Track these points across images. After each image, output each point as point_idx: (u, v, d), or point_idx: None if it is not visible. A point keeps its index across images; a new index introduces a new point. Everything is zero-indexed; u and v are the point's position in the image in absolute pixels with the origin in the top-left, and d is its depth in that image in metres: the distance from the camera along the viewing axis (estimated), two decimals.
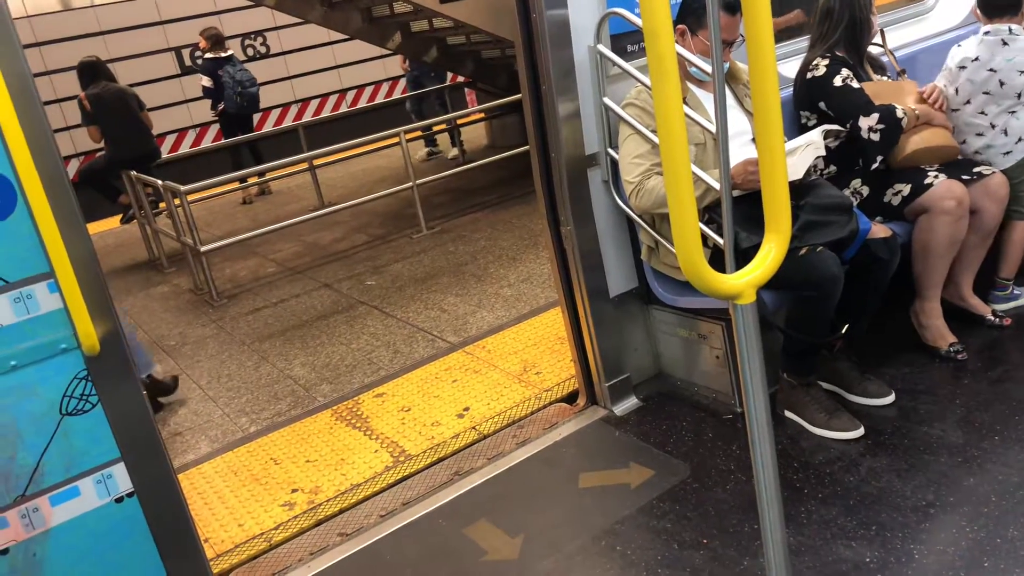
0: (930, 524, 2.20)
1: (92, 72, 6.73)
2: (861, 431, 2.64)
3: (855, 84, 2.91)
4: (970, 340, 3.01)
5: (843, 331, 2.80)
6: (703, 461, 2.69)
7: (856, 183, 2.99)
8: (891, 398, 2.79)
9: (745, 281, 1.34)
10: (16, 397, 1.98)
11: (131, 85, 7.35)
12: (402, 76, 10.03)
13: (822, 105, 2.95)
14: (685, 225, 1.21)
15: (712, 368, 3.01)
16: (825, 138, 2.68)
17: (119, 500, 2.17)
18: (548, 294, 4.48)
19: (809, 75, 2.96)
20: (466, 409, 3.35)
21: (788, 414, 2.81)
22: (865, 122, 2.86)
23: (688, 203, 1.20)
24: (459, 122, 8.74)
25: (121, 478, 2.17)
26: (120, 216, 7.26)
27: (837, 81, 2.90)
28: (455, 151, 8.86)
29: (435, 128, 8.89)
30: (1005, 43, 2.96)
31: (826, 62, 2.93)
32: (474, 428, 3.19)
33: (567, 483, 2.71)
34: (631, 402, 3.12)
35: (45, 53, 9.35)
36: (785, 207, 1.33)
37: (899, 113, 2.86)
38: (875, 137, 2.86)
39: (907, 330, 3.09)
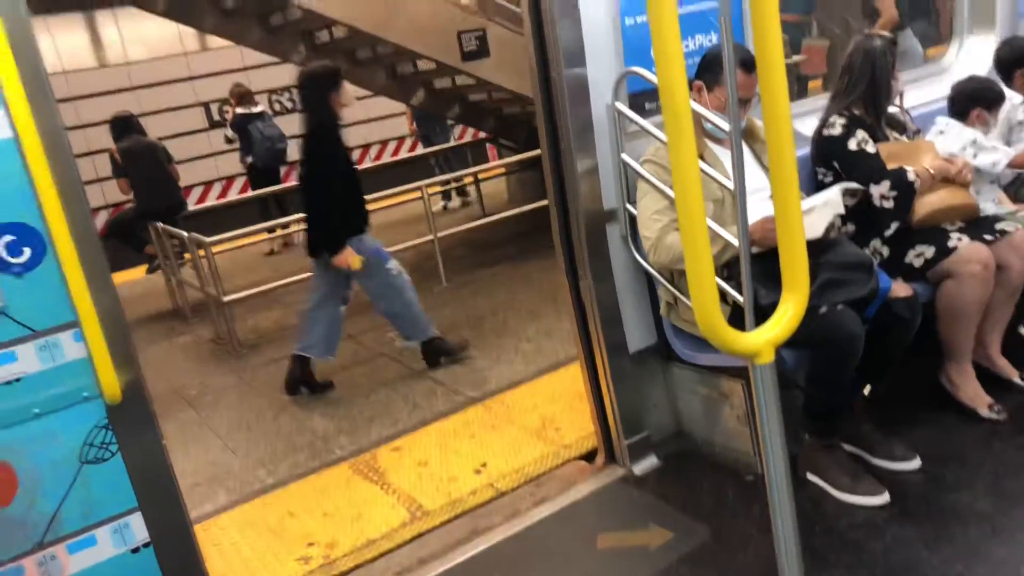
0: None
1: (124, 127, 6.91)
2: (886, 497, 2.58)
3: (870, 148, 2.91)
4: (999, 403, 2.95)
5: (865, 391, 2.77)
6: (724, 523, 2.63)
7: (876, 243, 2.98)
8: (917, 463, 2.73)
9: (763, 339, 1.34)
10: (38, 444, 2.01)
11: (161, 138, 7.52)
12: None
13: (836, 165, 2.96)
14: (702, 281, 1.22)
15: (733, 427, 2.97)
16: (844, 196, 2.68)
17: (135, 550, 2.17)
18: (568, 349, 4.45)
19: (825, 132, 2.97)
20: (484, 465, 3.32)
21: (811, 477, 2.76)
22: (877, 190, 2.86)
23: (705, 259, 1.20)
24: (480, 176, 8.85)
25: (138, 528, 2.17)
26: (146, 266, 7.36)
27: (852, 144, 2.90)
28: (458, 201, 9.20)
29: (453, 182, 9.06)
30: None
31: (843, 121, 2.94)
32: (492, 485, 3.16)
33: (585, 544, 2.67)
34: (650, 461, 3.07)
35: (79, 107, 9.62)
36: (803, 265, 1.33)
37: (910, 177, 2.85)
38: (888, 204, 2.85)
39: (932, 391, 3.04)
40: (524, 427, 3.58)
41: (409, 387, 4.39)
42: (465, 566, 2.65)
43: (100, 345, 2.00)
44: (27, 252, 1.95)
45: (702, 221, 1.20)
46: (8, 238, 1.92)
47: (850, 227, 3.01)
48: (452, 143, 9.54)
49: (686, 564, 2.45)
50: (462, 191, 9.36)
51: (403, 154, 12.14)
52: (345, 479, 3.40)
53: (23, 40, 1.87)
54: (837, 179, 2.96)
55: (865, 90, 2.99)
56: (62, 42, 10.00)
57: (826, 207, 2.60)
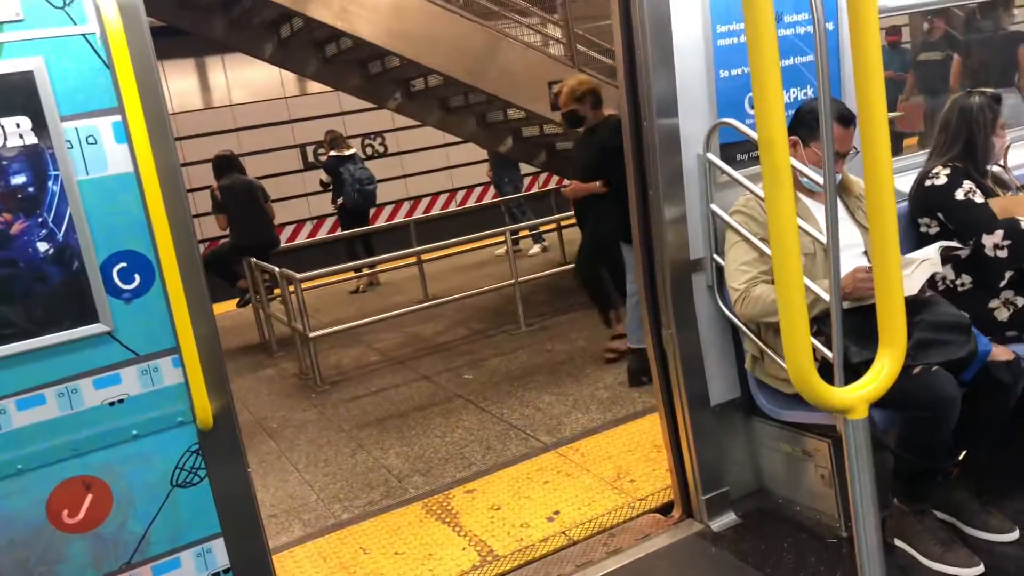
0: None
1: (226, 165, 7.25)
2: (981, 569, 2.44)
3: (978, 199, 2.82)
4: None
5: (960, 457, 2.64)
6: None
7: (1009, 294, 2.85)
8: (1015, 535, 2.58)
9: (857, 395, 1.30)
10: (134, 465, 2.09)
11: (258, 177, 7.86)
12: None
13: (941, 216, 2.88)
14: (796, 333, 1.20)
15: (817, 487, 2.88)
16: (942, 255, 2.61)
17: (216, 575, 2.22)
18: (645, 399, 4.41)
19: (928, 183, 2.89)
20: (556, 512, 3.29)
21: (899, 543, 2.64)
22: (989, 239, 2.77)
23: (799, 311, 1.19)
24: (562, 223, 8.92)
25: (220, 554, 2.23)
26: (237, 300, 7.64)
27: (959, 195, 2.82)
28: (537, 248, 9.31)
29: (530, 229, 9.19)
30: None
31: (947, 171, 2.86)
32: (564, 533, 3.12)
33: None
34: (729, 518, 2.99)
35: (185, 146, 10.16)
36: (900, 320, 1.30)
37: None
38: (1002, 254, 2.76)
39: None
40: (598, 476, 3.54)
41: (484, 430, 4.40)
42: None
43: (197, 372, 2.09)
44: (137, 279, 2.06)
45: (798, 271, 1.18)
46: (121, 265, 2.04)
47: (964, 279, 2.89)
48: (523, 193, 9.70)
49: None
50: (538, 238, 9.47)
51: (488, 199, 12.35)
52: (418, 519, 3.41)
53: (149, 83, 2.01)
54: (942, 229, 2.88)
55: (963, 148, 2.91)
56: (174, 86, 10.62)
57: (924, 264, 2.53)
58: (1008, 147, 3.13)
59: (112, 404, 2.06)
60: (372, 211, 9.38)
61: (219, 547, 2.23)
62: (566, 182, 9.06)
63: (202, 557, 2.21)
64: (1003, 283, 2.80)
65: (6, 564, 1.98)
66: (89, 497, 2.05)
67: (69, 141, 1.97)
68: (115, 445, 2.07)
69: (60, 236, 1.98)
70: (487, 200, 12.09)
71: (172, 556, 2.17)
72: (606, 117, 4.92)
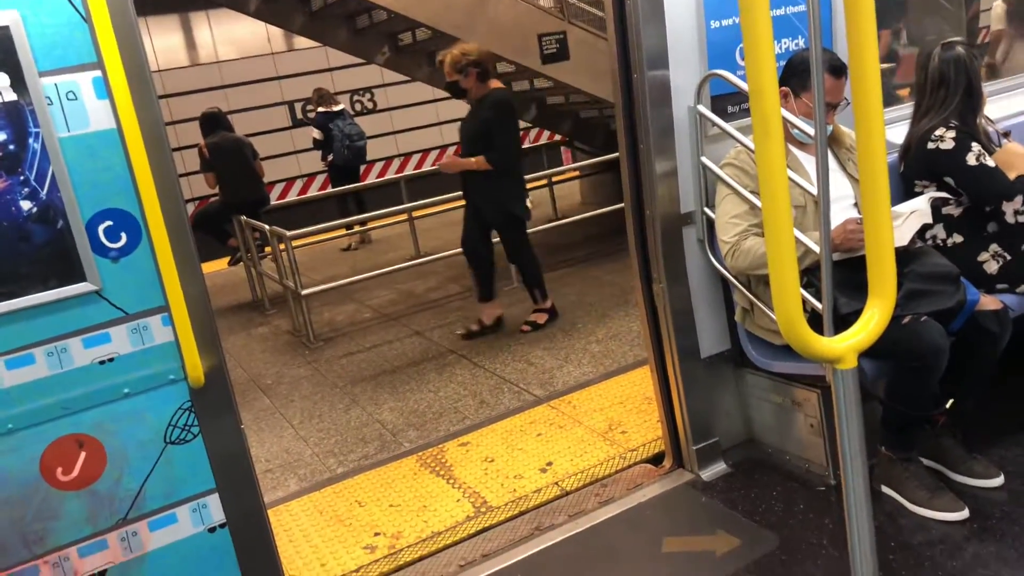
0: None
1: (213, 123, 7.16)
2: (966, 513, 2.49)
3: (990, 163, 2.76)
4: None
5: (948, 406, 2.68)
6: (793, 533, 2.58)
7: (995, 247, 2.83)
8: (1000, 480, 2.62)
9: (846, 345, 1.31)
10: (127, 423, 2.10)
11: (247, 135, 7.77)
12: None
13: (949, 180, 2.82)
14: (786, 284, 1.20)
15: (806, 437, 2.91)
16: (933, 205, 2.60)
17: (212, 530, 2.25)
18: (636, 352, 4.43)
19: (932, 146, 2.80)
20: (549, 464, 3.33)
21: (886, 490, 2.68)
22: (1010, 206, 2.74)
23: (789, 261, 1.19)
24: (553, 179, 8.86)
25: (215, 509, 2.25)
26: (228, 258, 7.61)
27: (971, 160, 2.74)
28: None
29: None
30: None
31: (952, 134, 2.77)
32: (556, 484, 3.16)
33: (650, 546, 2.65)
34: (719, 467, 3.03)
35: (172, 104, 10.01)
36: (890, 271, 1.29)
37: None
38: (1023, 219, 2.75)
39: (1018, 408, 2.92)
40: (590, 428, 3.57)
41: (477, 384, 4.43)
42: (529, 562, 2.67)
43: (187, 330, 2.08)
44: (124, 238, 2.05)
45: (788, 222, 1.18)
46: (107, 223, 2.02)
47: (956, 238, 2.88)
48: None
49: (754, 572, 2.41)
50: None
51: None
52: (412, 472, 3.45)
53: (129, 37, 1.97)
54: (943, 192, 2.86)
55: (961, 100, 2.84)
56: (159, 42, 10.42)
57: (913, 216, 2.53)
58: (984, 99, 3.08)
59: (102, 363, 2.06)
60: (363, 168, 9.29)
61: (214, 502, 2.25)
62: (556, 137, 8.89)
63: (197, 512, 2.23)
64: None
65: (1, 521, 1.99)
66: (83, 455, 2.06)
67: (49, 97, 1.93)
68: (107, 403, 2.07)
69: (43, 195, 1.95)
70: None
71: (168, 511, 2.19)
72: (490, 90, 4.80)
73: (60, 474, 2.03)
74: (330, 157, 8.73)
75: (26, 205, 1.94)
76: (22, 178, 1.93)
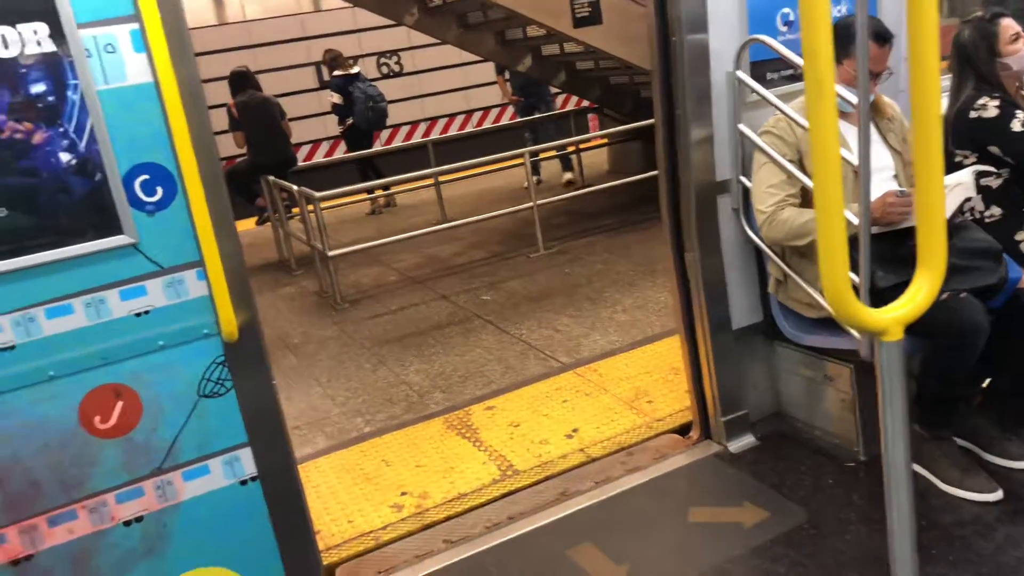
0: None
1: (242, 82, 7.15)
2: (999, 494, 2.46)
3: None
4: None
5: (985, 385, 2.64)
6: (821, 508, 2.57)
7: None
8: None
9: (892, 316, 1.28)
10: (162, 375, 2.12)
11: (274, 96, 7.75)
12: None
13: (994, 149, 2.76)
14: (833, 251, 1.17)
15: (837, 412, 2.89)
16: (977, 179, 2.54)
17: (243, 482, 2.28)
18: (663, 322, 4.41)
19: (975, 115, 2.74)
20: (575, 430, 3.33)
21: (917, 468, 2.65)
22: None
23: (838, 227, 1.16)
24: (581, 147, 8.77)
25: (247, 462, 2.27)
26: (256, 218, 7.64)
27: (1016, 126, 2.68)
28: (568, 175, 8.83)
29: (546, 155, 8.90)
30: None
31: (996, 103, 2.72)
32: (582, 450, 3.17)
33: (676, 515, 2.65)
34: (747, 440, 3.02)
35: (200, 63, 9.97)
36: (941, 242, 1.26)
37: None
38: None
39: None
40: (617, 397, 3.57)
41: (503, 349, 4.43)
42: (555, 526, 2.68)
43: (221, 285, 2.09)
44: (160, 192, 2.05)
45: (838, 187, 1.15)
46: (144, 177, 2.02)
47: (995, 211, 2.83)
48: (549, 114, 9.34)
49: (781, 545, 2.41)
50: (567, 164, 8.97)
51: (505, 120, 12.17)
52: (439, 433, 3.47)
53: None
54: (982, 162, 2.79)
55: (987, 72, 2.79)
56: (187, 1, 10.36)
57: (957, 189, 2.48)
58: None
59: (138, 315, 2.08)
60: (386, 133, 9.22)
61: (246, 455, 2.27)
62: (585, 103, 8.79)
63: (230, 465, 2.26)
64: None
65: (40, 466, 2.03)
66: (120, 404, 2.08)
67: (87, 49, 1.92)
68: (143, 355, 2.09)
69: (82, 147, 1.95)
70: (504, 122, 11.94)
71: (201, 463, 2.22)
72: None
73: (98, 422, 2.06)
74: (348, 121, 8.62)
75: (65, 157, 1.94)
76: (61, 130, 1.93)
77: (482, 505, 2.89)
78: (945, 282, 2.36)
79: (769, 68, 2.91)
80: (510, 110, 12.27)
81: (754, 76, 2.82)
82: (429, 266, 6.51)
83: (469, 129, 11.96)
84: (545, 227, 6.50)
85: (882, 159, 2.75)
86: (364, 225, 8.44)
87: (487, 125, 12.12)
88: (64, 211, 1.96)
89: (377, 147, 9.20)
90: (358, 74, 8.62)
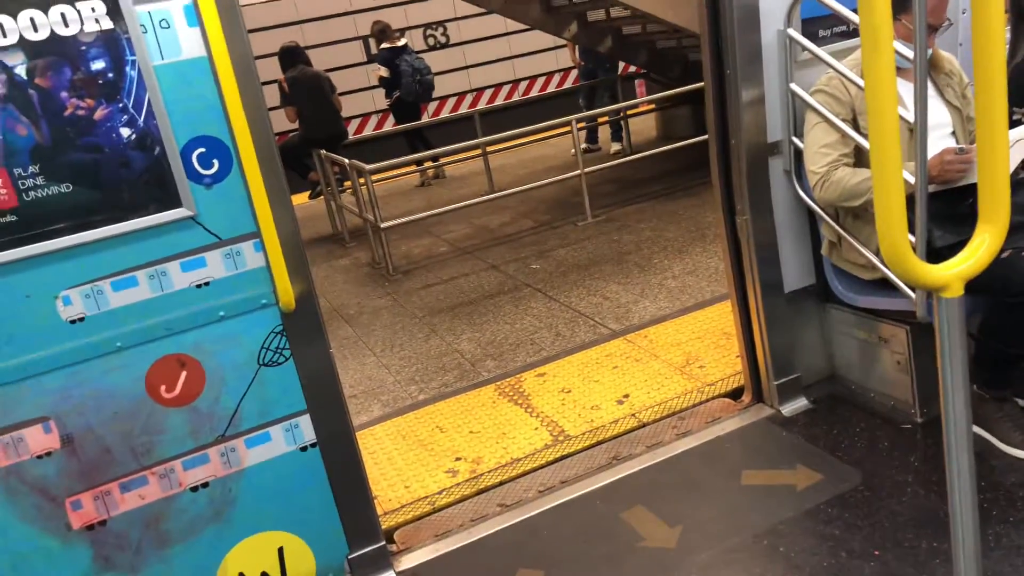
0: None
1: (292, 57, 7.21)
2: None
3: None
4: None
5: None
6: (876, 470, 2.55)
7: None
8: None
9: (953, 272, 1.26)
10: (223, 345, 2.18)
11: (323, 71, 7.81)
12: (573, 68, 9.80)
13: None
14: (891, 209, 1.16)
15: (892, 374, 2.85)
16: None
17: (303, 449, 2.34)
18: (714, 288, 4.38)
19: None
20: (626, 396, 3.34)
21: (977, 429, 2.60)
22: None
23: (896, 186, 1.14)
24: (628, 113, 8.67)
25: (307, 429, 2.34)
26: (309, 192, 7.75)
27: None
28: (617, 146, 8.75)
29: (600, 120, 8.81)
30: None
31: None
32: (633, 415, 3.18)
33: (728, 479, 2.66)
34: (800, 403, 3.00)
35: (251, 40, 10.08)
36: (1004, 196, 1.23)
37: None
38: None
39: None
40: (667, 362, 3.56)
41: (553, 317, 4.45)
42: (607, 490, 2.71)
43: (278, 255, 2.14)
44: (216, 165, 2.10)
45: (895, 145, 1.12)
46: (200, 150, 2.07)
47: None
48: (611, 78, 9.20)
49: (835, 507, 2.39)
50: (617, 135, 8.82)
51: (551, 88, 12.07)
52: (491, 400, 3.51)
53: None
54: None
55: None
56: None
57: (1018, 144, 2.39)
58: None
59: (199, 287, 2.14)
60: (433, 105, 9.22)
61: (306, 423, 2.34)
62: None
63: (290, 432, 2.33)
64: None
65: (111, 434, 2.12)
66: (184, 374, 2.16)
67: (143, 25, 1.97)
68: (204, 326, 2.16)
69: (141, 122, 2.01)
70: (551, 90, 11.84)
71: (263, 430, 2.29)
72: None
73: (164, 391, 2.14)
74: (396, 94, 8.66)
75: (125, 132, 2.00)
76: (120, 105, 1.99)
77: (535, 470, 2.93)
78: (1007, 239, 2.33)
79: (821, 25, 2.84)
80: (556, 78, 12.19)
81: (805, 34, 2.75)
82: (478, 236, 6.54)
83: (516, 98, 11.89)
84: (593, 195, 6.46)
85: (939, 116, 2.67)
86: (414, 197, 8.51)
87: (534, 94, 12.04)
88: (126, 185, 2.02)
89: (425, 119, 9.21)
90: (405, 46, 8.62)
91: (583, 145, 9.05)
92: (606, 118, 8.72)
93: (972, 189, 1.62)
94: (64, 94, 1.93)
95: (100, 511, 2.15)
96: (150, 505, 2.20)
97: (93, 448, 2.11)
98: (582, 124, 8.62)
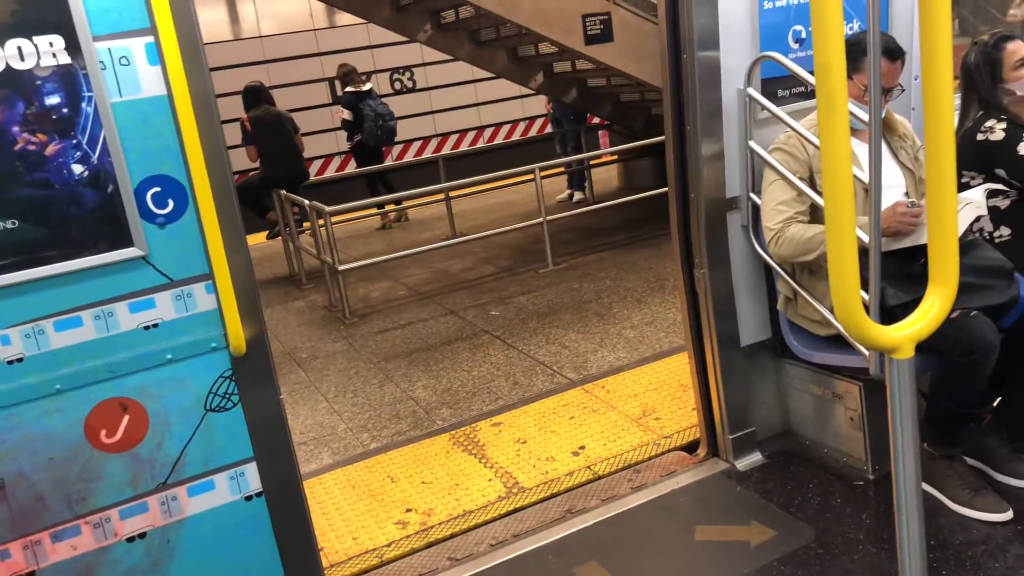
0: None
1: (256, 96, 7.19)
2: (1009, 514, 2.43)
3: None
4: None
5: (995, 404, 2.61)
6: (829, 527, 2.55)
7: None
8: None
9: (904, 334, 1.27)
10: (169, 389, 2.11)
11: (288, 111, 7.80)
12: (539, 116, 10.02)
13: (1000, 172, 2.74)
14: (844, 267, 1.17)
15: (845, 430, 2.87)
16: (987, 198, 2.53)
17: (248, 498, 2.27)
18: (672, 339, 4.40)
19: (982, 137, 2.73)
20: (582, 447, 3.32)
21: (926, 487, 2.62)
22: None
23: (849, 244, 1.15)
24: (591, 163, 8.79)
25: (252, 477, 2.26)
26: (267, 232, 7.67)
27: (1022, 149, 2.67)
28: (578, 195, 8.89)
29: (561, 169, 8.94)
30: None
31: (1002, 126, 2.70)
32: (589, 467, 3.15)
33: (683, 534, 2.63)
34: (755, 457, 3.00)
35: (214, 78, 10.04)
36: (953, 259, 1.25)
37: None
38: None
39: None
40: (624, 413, 3.55)
41: (511, 365, 4.42)
42: (560, 544, 2.66)
43: (230, 298, 2.09)
44: (171, 204, 2.05)
45: (849, 203, 1.14)
46: (155, 189, 2.03)
47: (1004, 232, 2.81)
48: (577, 127, 9.34)
49: (788, 564, 2.38)
50: (580, 184, 8.96)
51: (516, 136, 12.21)
52: (445, 450, 3.46)
53: (182, 4, 1.97)
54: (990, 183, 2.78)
55: (990, 95, 2.77)
56: (203, 15, 10.46)
57: (968, 207, 2.46)
58: None
59: (147, 328, 2.08)
60: (397, 148, 9.26)
61: (252, 471, 2.26)
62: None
63: (235, 480, 2.25)
64: None
65: (45, 481, 2.02)
66: (126, 418, 2.08)
67: (102, 62, 1.94)
68: (150, 368, 2.09)
69: (95, 159, 1.96)
70: (516, 137, 11.97)
71: (206, 478, 2.21)
72: None
73: (104, 436, 2.06)
74: (357, 137, 8.67)
75: (78, 169, 1.95)
76: (74, 142, 1.94)
77: (488, 522, 2.87)
78: (957, 300, 2.37)
79: (780, 85, 2.91)
80: (522, 126, 12.35)
81: (765, 93, 2.82)
82: (438, 281, 6.52)
83: (481, 145, 12.00)
84: (555, 243, 6.50)
85: (893, 176, 2.73)
86: (374, 240, 8.47)
87: (499, 141, 12.17)
88: (75, 223, 1.97)
89: (388, 162, 9.22)
90: (370, 91, 8.66)
91: (568, 192, 9.05)
92: (572, 167, 8.83)
93: (924, 250, 1.66)
94: (16, 128, 1.88)
95: (29, 562, 2.04)
96: (82, 556, 2.09)
97: (25, 495, 2.01)
98: (550, 172, 8.72)
